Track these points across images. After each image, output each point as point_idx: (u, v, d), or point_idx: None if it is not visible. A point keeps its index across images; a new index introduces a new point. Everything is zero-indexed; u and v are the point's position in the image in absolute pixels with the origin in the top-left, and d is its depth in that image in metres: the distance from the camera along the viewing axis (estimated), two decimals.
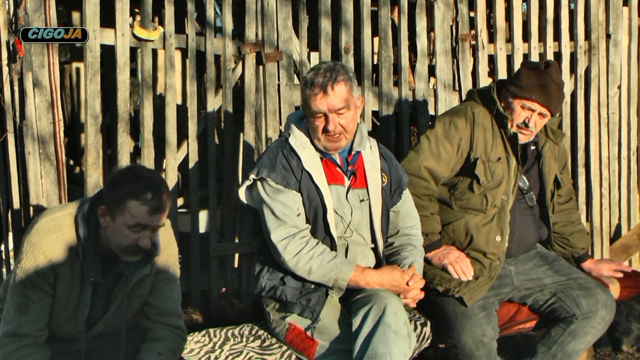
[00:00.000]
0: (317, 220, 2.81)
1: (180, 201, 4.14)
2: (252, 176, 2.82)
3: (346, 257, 2.86)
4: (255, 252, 3.03)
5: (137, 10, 4.59)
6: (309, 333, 2.77)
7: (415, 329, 2.97)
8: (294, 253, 2.72)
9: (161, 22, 3.85)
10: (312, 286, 2.79)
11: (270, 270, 2.86)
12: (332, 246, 2.81)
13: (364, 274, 2.76)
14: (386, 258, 3.01)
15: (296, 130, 2.87)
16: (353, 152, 2.90)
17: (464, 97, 4.15)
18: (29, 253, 2.35)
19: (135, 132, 5.44)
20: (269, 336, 2.94)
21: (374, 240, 2.94)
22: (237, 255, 3.80)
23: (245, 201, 2.89)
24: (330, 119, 2.74)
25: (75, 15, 5.69)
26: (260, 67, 3.70)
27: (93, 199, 2.43)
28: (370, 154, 2.97)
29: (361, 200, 2.90)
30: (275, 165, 2.78)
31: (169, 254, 2.56)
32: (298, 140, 2.85)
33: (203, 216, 3.91)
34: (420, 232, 3.07)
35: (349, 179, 2.88)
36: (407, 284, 2.77)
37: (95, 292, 2.44)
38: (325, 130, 2.76)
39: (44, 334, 2.41)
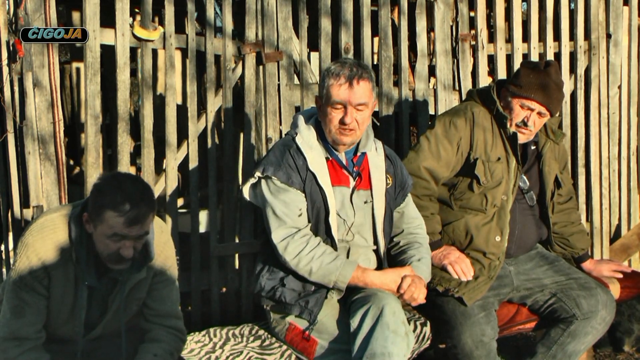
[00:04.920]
0: (319, 222, 2.81)
1: (180, 201, 4.14)
2: (258, 174, 2.81)
3: (348, 258, 2.86)
4: (258, 250, 3.03)
5: (137, 10, 4.58)
6: (308, 333, 2.77)
7: (415, 329, 2.97)
8: (294, 254, 2.72)
9: (161, 22, 3.84)
10: (312, 288, 2.79)
11: (270, 270, 2.85)
12: (333, 248, 2.80)
13: (364, 275, 2.76)
14: (393, 257, 3.01)
15: (304, 129, 2.86)
16: (359, 153, 2.89)
17: (464, 97, 4.15)
18: (22, 254, 2.34)
19: (135, 132, 5.44)
20: (269, 336, 2.94)
21: (375, 242, 2.94)
22: (237, 255, 3.79)
23: (248, 199, 2.89)
24: (349, 112, 2.74)
25: (75, 15, 5.69)
26: (260, 67, 3.70)
27: (84, 202, 2.41)
28: (376, 156, 2.96)
29: (365, 202, 2.89)
30: (282, 163, 2.78)
31: (166, 256, 2.54)
32: (305, 139, 2.84)
33: (203, 216, 3.91)
34: (425, 231, 3.07)
35: (354, 180, 2.88)
36: (398, 289, 2.76)
37: (92, 295, 2.43)
38: (342, 122, 2.75)
39: (42, 336, 2.40)
